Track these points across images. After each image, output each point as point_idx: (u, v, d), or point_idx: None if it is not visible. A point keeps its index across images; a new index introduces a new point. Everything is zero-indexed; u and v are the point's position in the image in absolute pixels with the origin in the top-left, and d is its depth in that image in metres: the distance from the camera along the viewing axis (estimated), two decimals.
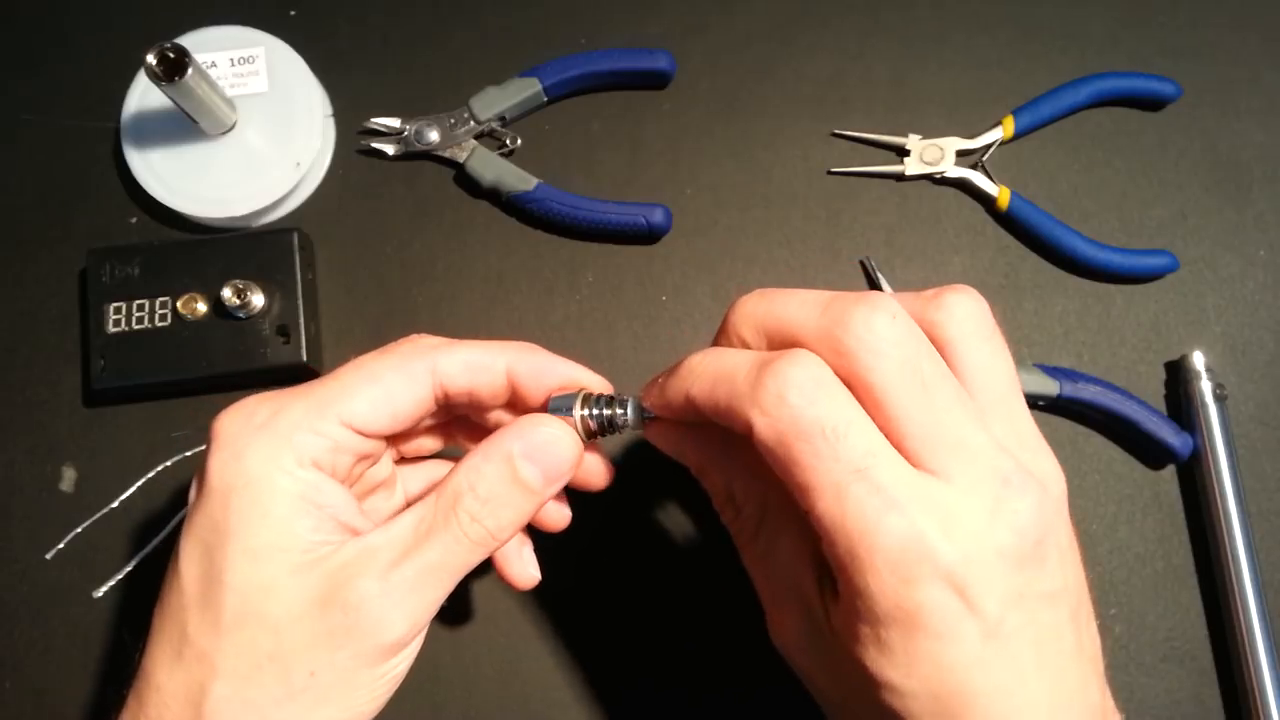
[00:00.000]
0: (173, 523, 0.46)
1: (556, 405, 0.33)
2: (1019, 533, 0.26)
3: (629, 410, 0.33)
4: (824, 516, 0.26)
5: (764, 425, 0.27)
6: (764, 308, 0.30)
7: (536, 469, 0.31)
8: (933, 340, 0.28)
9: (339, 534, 0.31)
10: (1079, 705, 0.27)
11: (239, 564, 0.29)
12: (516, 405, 0.34)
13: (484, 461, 0.31)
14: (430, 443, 0.38)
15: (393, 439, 0.35)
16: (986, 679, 0.26)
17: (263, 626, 0.29)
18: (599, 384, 0.34)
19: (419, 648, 0.32)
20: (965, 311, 0.29)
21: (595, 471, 0.35)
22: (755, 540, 0.31)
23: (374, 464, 0.35)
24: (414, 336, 0.34)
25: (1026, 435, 0.29)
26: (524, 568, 0.36)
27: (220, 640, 0.29)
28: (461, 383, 0.32)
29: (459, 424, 0.38)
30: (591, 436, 0.33)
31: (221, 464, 0.30)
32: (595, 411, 0.33)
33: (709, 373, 0.29)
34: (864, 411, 0.27)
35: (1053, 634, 0.27)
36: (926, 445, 0.26)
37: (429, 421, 0.36)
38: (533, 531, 0.37)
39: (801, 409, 0.26)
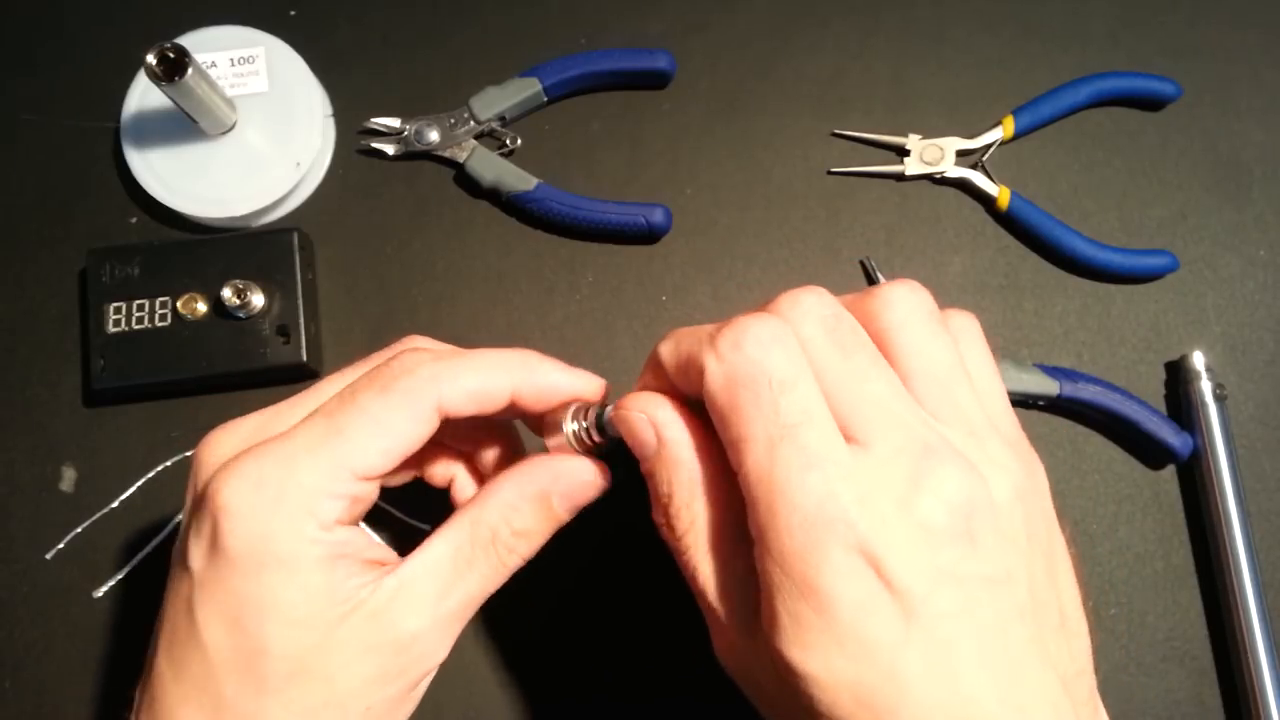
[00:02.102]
0: (173, 524, 0.46)
1: (570, 433, 0.33)
2: (944, 503, 0.25)
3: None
4: (751, 471, 0.26)
5: (715, 370, 0.27)
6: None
7: (570, 505, 0.33)
8: (871, 332, 0.29)
9: (367, 572, 0.30)
10: (1042, 716, 0.25)
11: (282, 635, 0.29)
12: (513, 413, 0.34)
13: (521, 500, 0.32)
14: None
15: None
16: (914, 665, 0.24)
17: (315, 679, 0.29)
18: (593, 392, 0.34)
19: None
20: (899, 298, 0.29)
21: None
22: (693, 545, 0.30)
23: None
24: (408, 347, 0.33)
25: (976, 421, 0.28)
26: None
27: (268, 700, 0.29)
28: (466, 411, 0.32)
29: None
30: (600, 450, 0.34)
31: (243, 542, 0.29)
32: (601, 435, 0.33)
33: (677, 333, 0.30)
34: (812, 375, 0.27)
35: (997, 627, 0.25)
36: (848, 411, 0.26)
37: None
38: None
39: (752, 357, 0.26)
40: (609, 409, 0.33)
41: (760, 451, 0.26)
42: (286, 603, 0.29)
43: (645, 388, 0.32)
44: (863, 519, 0.25)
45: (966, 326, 0.31)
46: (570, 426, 0.33)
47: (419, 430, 0.31)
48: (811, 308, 0.28)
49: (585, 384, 0.34)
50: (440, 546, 0.31)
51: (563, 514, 0.33)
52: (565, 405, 0.33)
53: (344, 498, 0.30)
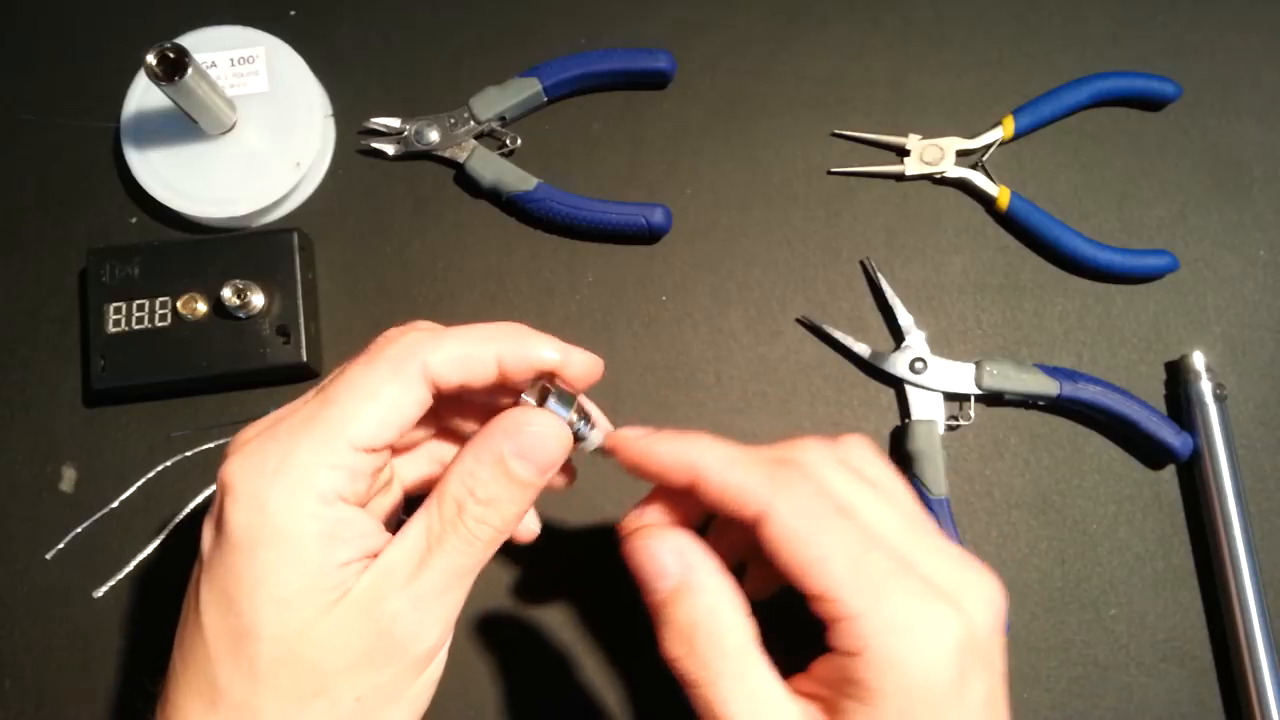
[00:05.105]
0: (173, 524, 0.46)
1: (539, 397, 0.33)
2: (986, 604, 0.30)
3: (595, 436, 0.34)
4: (840, 584, 0.28)
5: (784, 503, 0.30)
6: None
7: (530, 464, 0.31)
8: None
9: (361, 558, 0.30)
10: None
11: (271, 615, 0.29)
12: (507, 388, 0.34)
13: (478, 465, 0.31)
14: (421, 431, 0.37)
15: None
16: None
17: (303, 668, 0.29)
18: (583, 365, 0.34)
19: (448, 648, 0.32)
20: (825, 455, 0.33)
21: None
22: (721, 674, 0.30)
23: (383, 471, 0.34)
24: (391, 332, 0.33)
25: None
26: (526, 524, 0.37)
27: (259, 688, 0.29)
28: (453, 379, 0.32)
29: (448, 404, 0.37)
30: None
31: (243, 517, 0.29)
32: (576, 421, 0.33)
33: (713, 465, 0.31)
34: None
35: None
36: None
37: None
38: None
39: (818, 489, 0.30)
40: (601, 425, 0.33)
41: (845, 565, 0.28)
42: (278, 581, 0.29)
43: (655, 508, 0.34)
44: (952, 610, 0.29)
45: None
46: (529, 396, 0.32)
47: (409, 396, 0.31)
48: (841, 453, 0.32)
49: (576, 359, 0.34)
50: (414, 525, 0.31)
51: (524, 475, 0.31)
52: (537, 376, 0.33)
53: (342, 468, 0.30)
